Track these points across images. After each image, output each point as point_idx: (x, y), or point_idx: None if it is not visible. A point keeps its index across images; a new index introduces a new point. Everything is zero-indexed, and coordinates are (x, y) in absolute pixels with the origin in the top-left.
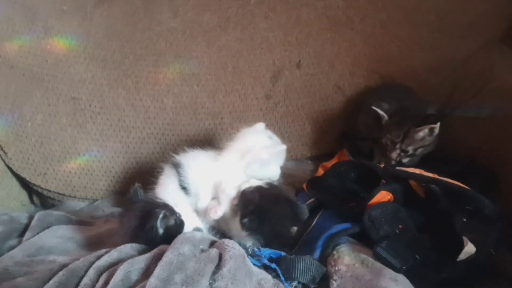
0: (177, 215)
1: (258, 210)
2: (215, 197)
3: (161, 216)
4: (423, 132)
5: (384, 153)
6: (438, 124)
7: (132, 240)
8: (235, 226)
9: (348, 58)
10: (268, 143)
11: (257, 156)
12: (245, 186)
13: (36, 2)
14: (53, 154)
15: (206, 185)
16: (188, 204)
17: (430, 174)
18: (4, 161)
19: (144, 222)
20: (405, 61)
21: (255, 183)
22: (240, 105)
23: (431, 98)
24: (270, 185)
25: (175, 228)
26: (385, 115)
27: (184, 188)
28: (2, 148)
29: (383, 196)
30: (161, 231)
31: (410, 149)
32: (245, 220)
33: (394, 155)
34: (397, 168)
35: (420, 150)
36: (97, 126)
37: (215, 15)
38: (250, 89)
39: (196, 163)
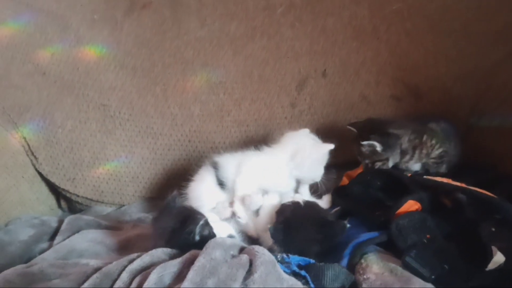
0: (211, 228)
1: (286, 223)
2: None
3: (201, 222)
4: (367, 146)
5: None
6: (370, 142)
7: (166, 242)
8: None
9: (374, 67)
10: (314, 143)
11: (307, 155)
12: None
13: (68, 12)
14: (82, 160)
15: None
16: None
17: (458, 183)
18: (34, 166)
19: (182, 226)
20: (430, 70)
21: (298, 198)
22: (265, 113)
23: (456, 108)
24: (308, 204)
25: (207, 239)
26: (355, 130)
27: (220, 184)
28: (33, 153)
29: (410, 205)
30: (197, 237)
31: (368, 162)
32: (270, 227)
33: (363, 167)
34: (424, 177)
35: (378, 163)
36: (126, 133)
37: (242, 25)
38: (276, 97)
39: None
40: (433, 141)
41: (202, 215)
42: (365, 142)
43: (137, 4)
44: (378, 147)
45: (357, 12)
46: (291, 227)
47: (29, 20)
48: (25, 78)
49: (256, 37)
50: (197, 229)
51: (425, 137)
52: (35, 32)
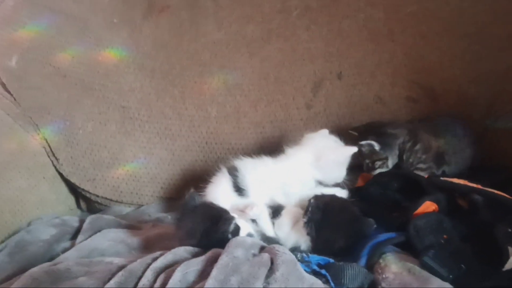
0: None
1: (325, 206)
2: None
3: (234, 221)
4: (366, 146)
5: None
6: (368, 142)
7: (198, 241)
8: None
9: (389, 69)
10: (337, 146)
11: (331, 158)
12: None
13: (88, 15)
14: (102, 161)
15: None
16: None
17: (474, 185)
18: (55, 167)
19: (215, 225)
20: (446, 73)
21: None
22: (281, 114)
23: (471, 110)
24: (342, 198)
25: (235, 235)
26: (356, 133)
27: (238, 190)
28: (54, 154)
29: (427, 206)
30: (230, 236)
31: (368, 162)
32: (312, 200)
33: (364, 168)
34: (441, 178)
35: (378, 163)
36: (145, 134)
37: (258, 27)
38: (291, 99)
39: (255, 166)
40: (423, 156)
41: (230, 214)
42: (363, 142)
43: (156, 7)
44: (376, 146)
45: (373, 14)
46: (329, 212)
47: (49, 23)
48: (46, 80)
49: (272, 40)
50: (230, 228)
51: (418, 146)
52: (55, 35)
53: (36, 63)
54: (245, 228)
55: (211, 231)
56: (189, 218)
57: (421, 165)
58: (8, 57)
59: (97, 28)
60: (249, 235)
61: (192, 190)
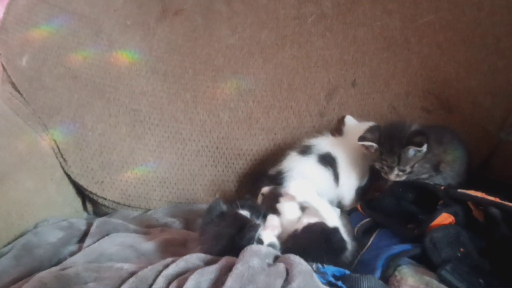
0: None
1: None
2: None
3: (260, 229)
4: (412, 150)
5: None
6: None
7: (224, 246)
8: None
9: (404, 78)
10: None
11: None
12: None
13: (101, 16)
14: (111, 164)
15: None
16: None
17: (492, 198)
18: (63, 168)
19: (241, 232)
20: (461, 83)
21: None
22: (293, 121)
23: (486, 122)
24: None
25: (260, 243)
26: (373, 144)
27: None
28: (62, 156)
29: (444, 218)
30: (255, 243)
31: (408, 168)
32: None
33: (392, 176)
34: (459, 190)
35: (416, 165)
36: (155, 138)
37: (272, 33)
38: (305, 106)
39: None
40: (427, 165)
41: (256, 222)
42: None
43: (170, 10)
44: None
45: (389, 23)
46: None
47: (62, 24)
48: (57, 81)
49: (287, 46)
50: (256, 235)
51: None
52: (67, 36)
53: (47, 64)
54: (269, 236)
55: (238, 236)
56: (215, 224)
57: (424, 176)
58: (19, 57)
59: (110, 30)
60: (271, 244)
61: (217, 196)
